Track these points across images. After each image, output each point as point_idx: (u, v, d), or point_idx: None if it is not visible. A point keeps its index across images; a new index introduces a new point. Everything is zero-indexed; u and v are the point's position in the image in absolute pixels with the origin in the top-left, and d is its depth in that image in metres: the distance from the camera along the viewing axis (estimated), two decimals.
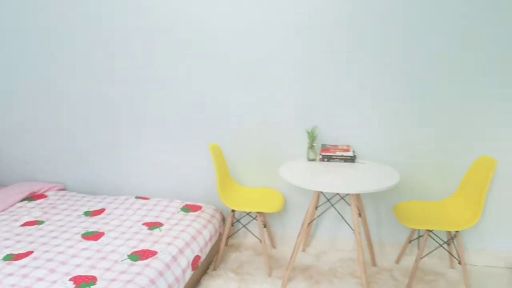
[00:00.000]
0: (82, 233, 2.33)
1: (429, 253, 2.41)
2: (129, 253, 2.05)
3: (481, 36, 2.33)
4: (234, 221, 2.94)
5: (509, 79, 2.34)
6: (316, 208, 2.68)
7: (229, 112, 2.77)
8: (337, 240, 2.83)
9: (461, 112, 2.45)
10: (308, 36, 2.54)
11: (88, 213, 2.65)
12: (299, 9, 2.51)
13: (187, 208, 2.69)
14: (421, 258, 2.35)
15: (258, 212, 2.50)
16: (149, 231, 2.33)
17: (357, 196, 2.48)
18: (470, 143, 2.48)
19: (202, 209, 2.69)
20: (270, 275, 2.51)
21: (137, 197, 2.89)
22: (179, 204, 2.77)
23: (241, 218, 2.95)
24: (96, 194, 3.20)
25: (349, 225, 2.68)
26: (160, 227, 2.39)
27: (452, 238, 2.33)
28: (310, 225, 2.82)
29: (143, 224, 2.45)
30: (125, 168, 3.07)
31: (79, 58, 2.93)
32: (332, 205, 2.51)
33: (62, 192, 3.06)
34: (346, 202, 2.75)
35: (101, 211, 2.68)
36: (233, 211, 2.57)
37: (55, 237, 2.28)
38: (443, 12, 2.34)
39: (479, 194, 2.17)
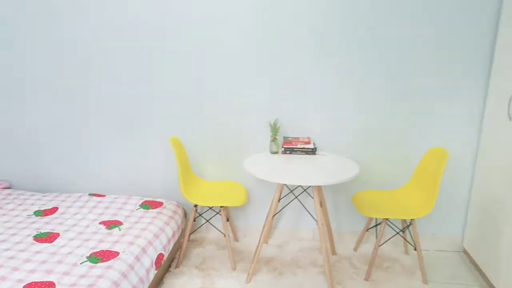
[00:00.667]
0: (34, 235, 2.18)
1: (387, 240, 2.52)
2: (88, 255, 1.94)
3: (434, 34, 2.44)
4: (196, 216, 2.90)
5: (457, 75, 2.48)
6: (279, 200, 2.70)
7: (190, 104, 2.70)
8: (298, 230, 2.89)
9: (413, 106, 2.56)
10: (270, 30, 2.53)
11: (39, 213, 2.48)
12: (260, 3, 2.48)
13: (147, 205, 2.60)
14: (380, 245, 2.45)
15: (222, 206, 2.47)
16: (108, 231, 2.23)
17: (319, 187, 2.53)
18: (421, 135, 2.61)
19: (163, 205, 2.61)
20: (234, 269, 2.50)
21: (91, 194, 2.75)
22: (137, 200, 2.67)
23: (203, 212, 2.91)
24: (46, 192, 3.01)
25: (312, 216, 2.74)
26: (120, 226, 2.29)
27: (407, 226, 2.45)
28: (273, 217, 2.84)
29: (101, 223, 2.34)
30: (77, 163, 2.91)
31: (25, 53, 2.71)
32: (296, 197, 2.54)
33: (7, 191, 2.84)
34: (308, 194, 2.80)
35: (53, 210, 2.52)
36: (195, 206, 2.53)
37: (3, 241, 2.11)
38: (398, 10, 2.42)
39: (432, 184, 2.29)
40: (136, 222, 2.35)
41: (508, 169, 2.16)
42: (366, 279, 2.40)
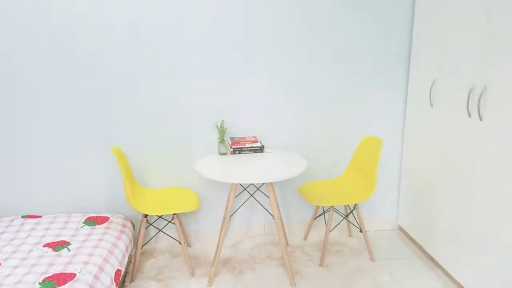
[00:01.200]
0: None
1: (335, 226, 2.69)
2: (41, 281, 1.78)
3: (366, 27, 2.67)
4: (146, 227, 2.79)
5: (390, 68, 2.75)
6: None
7: (129, 110, 2.60)
8: (249, 228, 2.94)
9: (347, 101, 2.77)
10: (213, 30, 2.54)
11: None
12: (205, 5, 2.49)
13: (92, 221, 2.45)
14: (330, 231, 2.61)
15: (174, 214, 2.42)
16: (55, 253, 2.05)
17: (272, 183, 2.61)
18: (355, 126, 2.83)
19: (110, 219, 2.48)
20: (193, 274, 2.47)
21: (24, 216, 2.50)
22: (80, 218, 2.50)
23: (153, 222, 2.82)
24: None
25: (268, 211, 2.80)
26: (68, 246, 2.12)
27: (351, 210, 2.64)
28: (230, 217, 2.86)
29: (45, 245, 2.14)
30: (4, 183, 2.62)
31: None
32: (251, 195, 2.59)
33: None
34: (260, 191, 2.86)
35: None
36: (145, 216, 2.44)
37: None
38: (328, 13, 2.61)
39: (371, 170, 2.50)
40: (84, 241, 2.20)
41: (432, 151, 2.46)
42: (321, 264, 2.54)
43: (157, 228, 2.54)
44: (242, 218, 2.92)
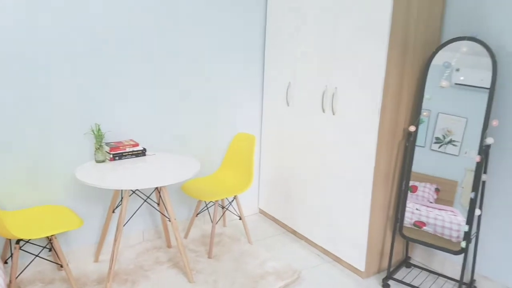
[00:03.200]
0: None
1: (219, 219, 2.82)
2: None
3: (220, 24, 2.91)
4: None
5: (249, 74, 3.07)
6: (113, 211, 2.54)
7: None
8: (126, 238, 2.80)
9: (216, 100, 2.98)
10: (76, 30, 2.30)
11: None
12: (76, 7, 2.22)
13: None
14: (216, 223, 2.74)
15: (52, 235, 2.12)
16: None
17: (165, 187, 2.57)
18: (226, 123, 3.06)
19: None
20: None
21: None
22: None
23: (23, 245, 2.35)
24: None
25: (163, 214, 2.69)
26: None
27: (230, 202, 2.87)
28: (105, 232, 2.64)
29: None
30: None
31: None
32: (145, 200, 2.46)
33: None
34: (145, 195, 2.75)
35: None
36: (18, 242, 2.04)
37: None
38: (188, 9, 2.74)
39: (247, 163, 2.79)
40: None
41: (289, 142, 2.92)
42: (210, 256, 2.68)
43: (33, 254, 2.16)
44: (112, 229, 2.75)
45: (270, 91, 3.12)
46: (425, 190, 2.40)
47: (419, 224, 2.40)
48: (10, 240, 2.19)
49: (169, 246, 2.81)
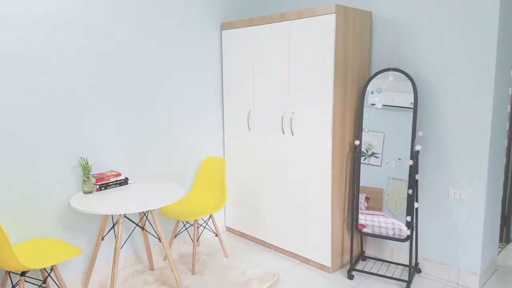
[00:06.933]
0: None
1: (199, 236, 3.06)
2: None
3: (190, 73, 3.25)
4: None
5: (210, 105, 3.41)
6: (103, 238, 2.67)
7: None
8: (110, 265, 2.91)
9: (186, 128, 3.28)
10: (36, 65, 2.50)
11: None
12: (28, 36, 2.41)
13: None
14: (197, 241, 2.97)
15: (54, 265, 2.23)
16: None
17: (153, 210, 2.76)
18: (193, 149, 3.36)
19: None
20: None
21: None
22: None
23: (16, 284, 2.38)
24: None
25: (153, 235, 2.81)
26: None
27: (206, 221, 3.14)
28: (94, 259, 2.74)
29: None
30: None
31: None
32: (137, 224, 2.62)
33: None
34: (133, 221, 2.91)
35: None
36: (23, 274, 2.13)
37: None
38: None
39: (220, 184, 3.10)
40: None
41: (251, 162, 3.30)
42: (193, 272, 2.91)
43: (36, 284, 2.23)
44: (99, 257, 2.87)
45: (231, 119, 3.49)
46: (358, 199, 2.90)
47: (360, 227, 2.89)
48: (9, 273, 2.24)
49: (151, 268, 2.98)
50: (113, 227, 2.76)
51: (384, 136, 2.78)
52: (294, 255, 3.16)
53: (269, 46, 3.07)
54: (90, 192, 2.60)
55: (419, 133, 2.73)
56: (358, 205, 2.90)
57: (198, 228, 3.28)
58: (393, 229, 2.76)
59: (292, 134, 2.99)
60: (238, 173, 3.48)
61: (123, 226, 2.39)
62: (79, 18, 2.56)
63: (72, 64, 2.56)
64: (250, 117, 3.30)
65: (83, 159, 2.64)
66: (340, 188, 2.90)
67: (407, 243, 2.96)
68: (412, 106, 2.71)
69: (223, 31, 3.44)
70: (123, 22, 2.79)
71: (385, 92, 2.80)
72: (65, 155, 2.58)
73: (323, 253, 2.91)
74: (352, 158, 2.98)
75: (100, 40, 2.67)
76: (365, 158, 2.86)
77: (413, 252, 2.94)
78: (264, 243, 3.41)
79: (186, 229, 3.09)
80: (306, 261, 3.07)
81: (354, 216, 2.91)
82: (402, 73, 2.73)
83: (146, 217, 2.83)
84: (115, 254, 2.36)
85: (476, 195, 2.62)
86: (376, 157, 2.82)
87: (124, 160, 2.91)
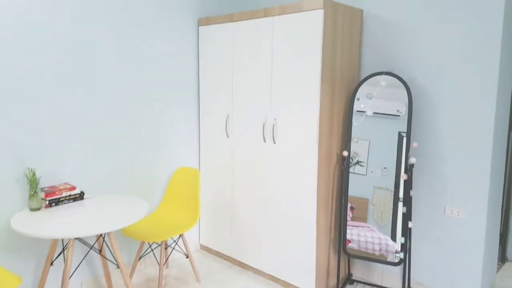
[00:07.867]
0: None
1: (167, 258, 2.68)
2: None
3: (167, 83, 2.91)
4: None
5: (186, 111, 3.08)
6: (52, 263, 2.28)
7: None
8: None
9: (155, 133, 2.92)
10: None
11: None
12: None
13: None
14: (164, 264, 2.61)
15: None
16: None
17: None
18: (163, 159, 3.00)
19: None
20: None
21: None
22: None
23: None
24: None
25: (110, 260, 2.44)
26: None
27: (175, 241, 2.78)
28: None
29: None
30: None
31: None
32: (92, 246, 2.24)
33: None
34: (87, 243, 2.52)
35: None
36: None
37: None
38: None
39: (193, 199, 2.75)
40: None
41: (229, 172, 2.97)
42: None
43: None
44: (48, 286, 2.47)
45: (207, 125, 3.16)
46: (347, 217, 2.62)
47: (346, 243, 2.60)
48: None
49: None
50: (63, 250, 2.37)
51: (370, 144, 2.52)
52: (274, 279, 2.83)
53: (250, 45, 2.76)
54: (38, 209, 2.21)
55: (414, 144, 2.45)
56: (346, 224, 2.60)
57: (166, 248, 2.91)
58: (380, 244, 2.48)
59: (274, 142, 2.67)
60: (215, 186, 3.14)
61: (73, 252, 2.02)
62: (41, 13, 2.20)
63: (19, 55, 2.19)
64: (229, 122, 2.97)
65: (30, 169, 2.25)
66: (326, 204, 2.59)
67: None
68: (399, 114, 2.44)
69: (200, 27, 3.11)
70: (84, 13, 2.44)
71: (375, 99, 2.53)
72: (7, 165, 2.19)
73: (307, 277, 2.59)
74: (340, 171, 2.68)
75: (51, 33, 2.32)
76: (350, 167, 2.58)
77: (406, 276, 2.66)
78: (241, 264, 3.07)
79: (152, 250, 2.71)
80: (287, 285, 2.74)
81: (342, 237, 2.61)
82: (395, 77, 2.47)
83: (103, 238, 2.45)
84: (62, 284, 1.99)
85: (476, 214, 2.36)
86: (361, 165, 2.55)
87: (81, 171, 2.53)
